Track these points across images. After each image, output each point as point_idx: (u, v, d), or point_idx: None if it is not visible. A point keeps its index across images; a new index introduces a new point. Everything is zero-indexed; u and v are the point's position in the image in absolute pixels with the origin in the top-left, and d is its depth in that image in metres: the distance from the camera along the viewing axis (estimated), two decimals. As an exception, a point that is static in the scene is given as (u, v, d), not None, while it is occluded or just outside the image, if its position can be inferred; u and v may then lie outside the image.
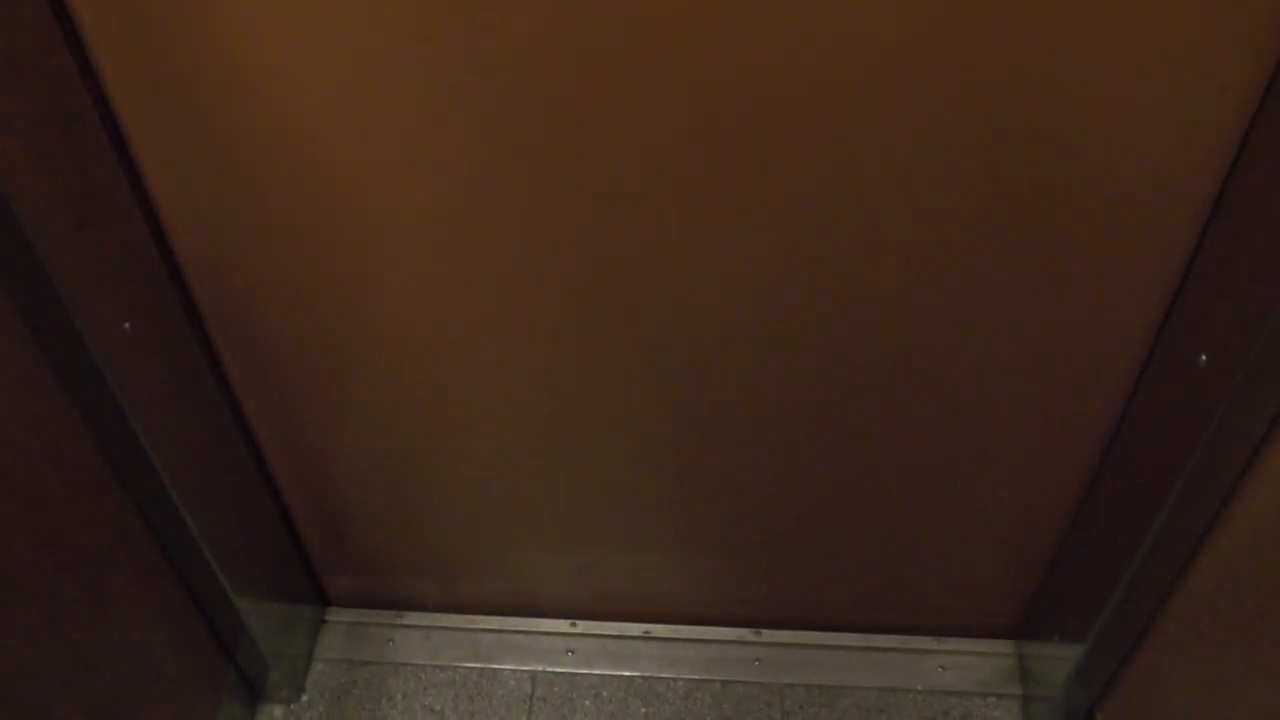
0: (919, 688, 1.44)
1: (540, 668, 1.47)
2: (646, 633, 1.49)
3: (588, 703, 1.44)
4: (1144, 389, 1.04)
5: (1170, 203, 0.90)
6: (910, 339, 1.05)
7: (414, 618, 1.52)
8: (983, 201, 0.92)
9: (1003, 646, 1.47)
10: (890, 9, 0.79)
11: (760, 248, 0.97)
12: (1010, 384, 1.09)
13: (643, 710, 1.43)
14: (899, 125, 0.87)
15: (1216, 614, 1.03)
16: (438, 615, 1.51)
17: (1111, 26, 0.78)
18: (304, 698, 1.46)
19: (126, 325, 0.96)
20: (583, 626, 1.50)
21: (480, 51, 0.84)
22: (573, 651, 1.48)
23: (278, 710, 1.45)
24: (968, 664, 1.46)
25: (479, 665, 1.48)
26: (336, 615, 1.53)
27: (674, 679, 1.46)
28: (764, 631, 1.48)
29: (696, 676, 1.46)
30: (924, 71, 0.82)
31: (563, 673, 1.47)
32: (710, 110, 0.87)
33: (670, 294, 1.03)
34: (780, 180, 0.91)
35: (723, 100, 0.86)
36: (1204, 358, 0.91)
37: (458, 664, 1.48)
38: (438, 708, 1.44)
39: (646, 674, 1.46)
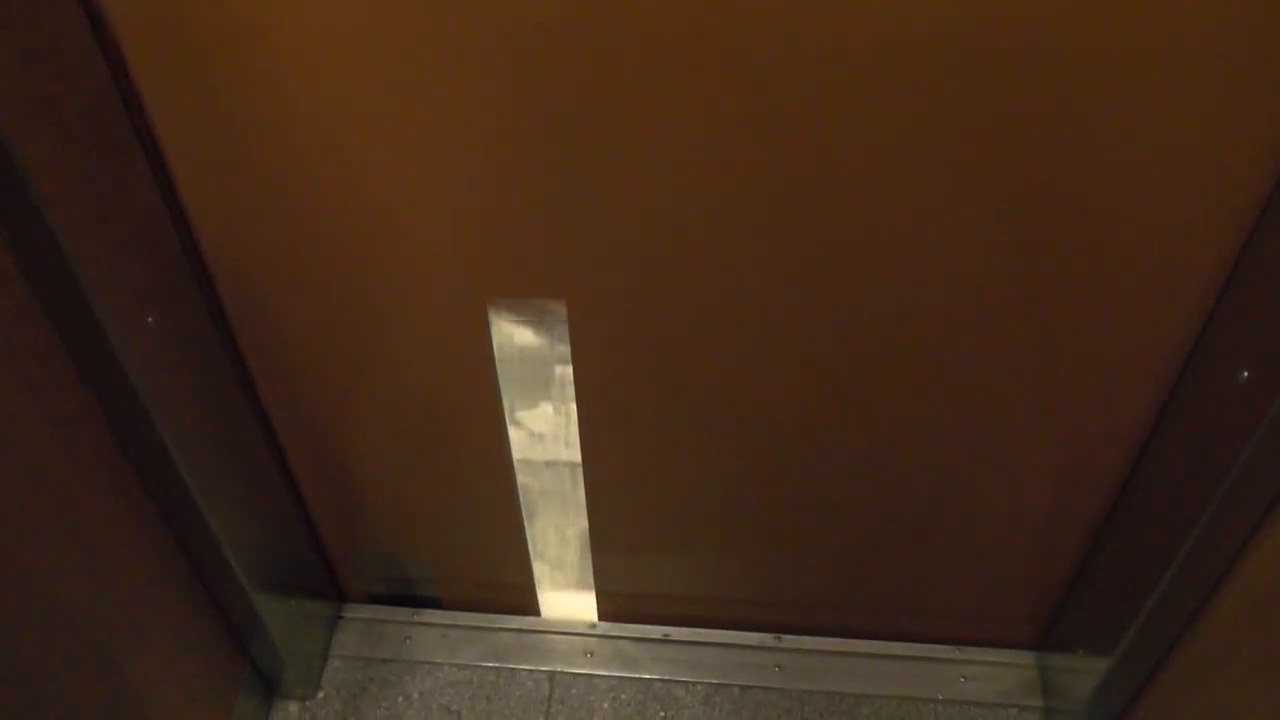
0: (940, 697, 1.43)
1: (558, 669, 1.46)
2: (666, 636, 1.48)
3: (606, 705, 1.43)
4: (1180, 402, 1.03)
5: (1214, 213, 0.88)
6: (938, 346, 1.04)
7: (431, 615, 1.51)
8: (1018, 208, 0.90)
9: (1025, 658, 1.45)
10: (917, 18, 0.78)
11: (789, 254, 0.97)
12: (1039, 392, 1.08)
13: (661, 714, 1.42)
14: (932, 133, 0.86)
15: (1249, 633, 1.02)
16: (455, 614, 1.51)
17: (1156, 33, 0.77)
18: (319, 695, 1.45)
19: (149, 320, 0.95)
20: (602, 628, 1.49)
21: (500, 50, 0.83)
22: (591, 653, 1.47)
23: (293, 707, 1.44)
24: (990, 674, 1.44)
25: (496, 665, 1.47)
26: (353, 612, 1.52)
27: (693, 683, 1.44)
28: (785, 637, 1.47)
29: (716, 681, 1.45)
30: (958, 78, 0.81)
31: (581, 674, 1.46)
32: (731, 119, 0.86)
33: (694, 298, 1.02)
34: (811, 186, 0.90)
35: (744, 108, 0.85)
36: (1245, 374, 0.90)
37: (475, 663, 1.47)
38: (454, 707, 1.43)
39: (665, 678, 1.45)
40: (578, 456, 1.23)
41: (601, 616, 1.49)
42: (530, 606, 1.49)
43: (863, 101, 0.84)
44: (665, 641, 1.48)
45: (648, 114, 0.86)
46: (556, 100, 0.86)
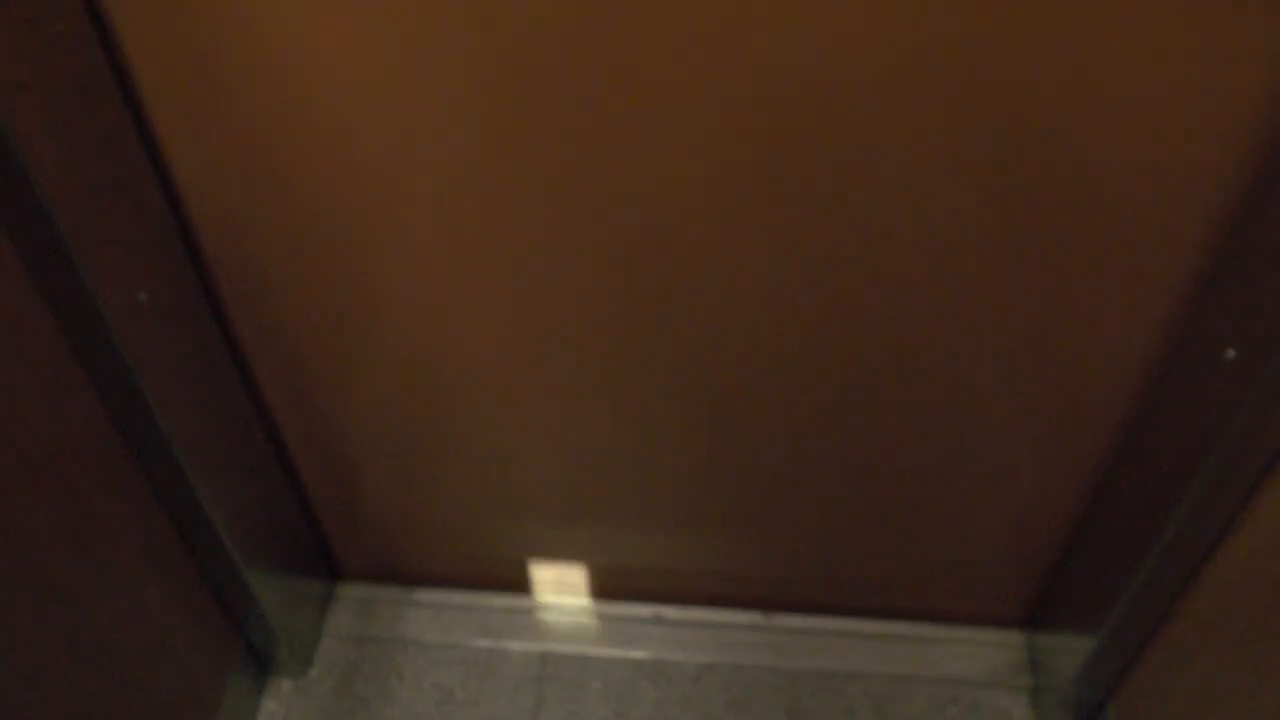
0: (929, 676, 1.44)
1: (550, 647, 1.47)
2: (657, 615, 1.49)
3: (597, 684, 1.44)
4: (1167, 381, 1.03)
5: (1200, 192, 0.88)
6: (926, 326, 1.04)
7: (424, 594, 1.52)
8: (1006, 192, 0.91)
9: (1014, 637, 1.46)
10: (904, 13, 0.78)
11: (776, 238, 0.97)
12: (1028, 373, 1.08)
13: (652, 693, 1.43)
14: (916, 122, 0.86)
15: (1233, 609, 1.03)
16: (448, 592, 1.51)
17: (1143, 14, 0.77)
18: (312, 672, 1.46)
19: (141, 296, 0.96)
20: (594, 607, 1.50)
21: (496, 34, 0.83)
22: (584, 632, 1.48)
23: (286, 684, 1.45)
24: (979, 653, 1.45)
25: (488, 644, 1.48)
26: (347, 590, 1.53)
27: (684, 662, 1.45)
28: (775, 616, 1.48)
29: (706, 660, 1.45)
30: (938, 68, 0.82)
31: (572, 653, 1.47)
32: (725, 107, 0.86)
33: (687, 280, 1.02)
34: (800, 172, 0.91)
35: (739, 97, 0.86)
36: (1232, 352, 0.90)
37: (467, 642, 1.48)
38: (446, 685, 1.44)
39: (656, 656, 1.46)
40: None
41: (593, 596, 1.50)
42: (523, 585, 1.50)
43: (850, 96, 0.84)
44: (656, 620, 1.49)
45: (636, 101, 0.87)
46: (551, 94, 0.87)
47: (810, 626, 1.47)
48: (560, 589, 1.50)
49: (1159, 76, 0.81)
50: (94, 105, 0.86)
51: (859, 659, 1.45)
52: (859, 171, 0.90)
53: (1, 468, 0.89)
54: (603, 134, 0.90)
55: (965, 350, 1.06)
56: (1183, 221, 0.91)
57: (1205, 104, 0.82)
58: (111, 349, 0.94)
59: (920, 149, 0.88)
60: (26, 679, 0.96)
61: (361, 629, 1.49)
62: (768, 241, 0.98)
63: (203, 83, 0.89)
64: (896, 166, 0.90)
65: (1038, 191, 0.90)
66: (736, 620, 1.48)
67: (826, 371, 1.11)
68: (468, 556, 1.47)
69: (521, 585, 1.50)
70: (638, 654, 1.46)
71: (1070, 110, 0.83)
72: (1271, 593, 0.96)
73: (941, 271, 0.99)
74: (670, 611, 1.49)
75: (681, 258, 1.00)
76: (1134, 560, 1.11)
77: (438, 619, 1.50)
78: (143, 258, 0.96)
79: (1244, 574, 1.00)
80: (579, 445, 1.25)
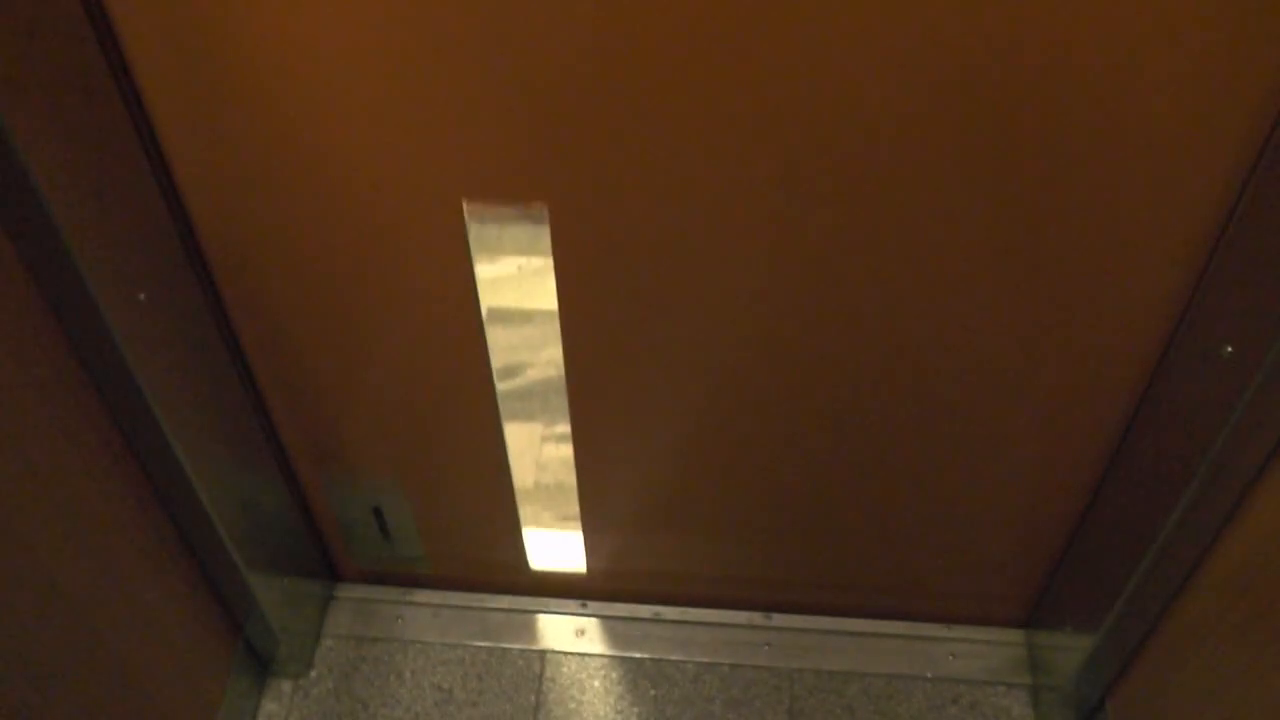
0: (929, 675, 1.44)
1: (550, 648, 1.47)
2: (656, 615, 1.49)
3: (597, 683, 1.44)
4: (1164, 379, 1.04)
5: (1196, 188, 0.89)
6: (925, 326, 1.04)
7: (423, 595, 1.52)
8: (1007, 196, 0.91)
9: (1013, 635, 1.47)
10: (909, 18, 0.79)
11: (776, 239, 0.97)
12: (1026, 373, 1.08)
13: (652, 692, 1.43)
14: (916, 123, 0.86)
15: (1231, 606, 1.03)
16: (447, 593, 1.51)
17: (1139, 18, 0.77)
18: (312, 673, 1.46)
19: (141, 297, 0.96)
20: (593, 607, 1.50)
21: (498, 33, 0.83)
22: (583, 632, 1.48)
23: (286, 685, 1.45)
24: (978, 652, 1.45)
25: (488, 644, 1.48)
26: (346, 591, 1.53)
27: (683, 661, 1.45)
28: (774, 615, 1.48)
29: (706, 659, 1.46)
30: (941, 71, 0.82)
31: (572, 653, 1.47)
32: (725, 116, 0.87)
33: (685, 281, 1.02)
34: (799, 174, 0.91)
35: (740, 106, 0.86)
36: (1229, 349, 0.91)
37: (467, 642, 1.48)
38: (446, 685, 1.44)
39: (656, 656, 1.46)
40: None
41: (593, 596, 1.50)
42: (522, 586, 1.50)
43: (852, 99, 0.84)
44: (656, 620, 1.49)
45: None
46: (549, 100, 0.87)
47: (810, 626, 1.47)
48: (560, 589, 1.50)
49: (1157, 73, 0.81)
50: (94, 105, 0.86)
51: (858, 658, 1.45)
52: (858, 174, 0.91)
53: (1, 468, 0.89)
54: (606, 133, 0.90)
55: (964, 350, 1.06)
56: (1181, 219, 0.91)
57: (1203, 102, 0.82)
58: (111, 349, 0.94)
59: (920, 148, 0.88)
60: (26, 679, 0.96)
61: (361, 629, 1.50)
62: (768, 242, 0.98)
63: (202, 83, 0.89)
64: (897, 168, 0.90)
65: (1037, 191, 0.90)
66: (736, 620, 1.48)
67: (826, 373, 1.11)
68: (468, 557, 1.47)
69: (521, 585, 1.50)
70: (637, 654, 1.47)
71: (1070, 109, 0.84)
72: (1268, 590, 0.96)
73: (942, 271, 0.99)
74: (670, 611, 1.49)
75: (682, 258, 1.00)
76: (1133, 559, 1.11)
77: (437, 619, 1.50)
78: (143, 258, 0.96)
79: (1241, 572, 1.01)
80: (577, 448, 1.25)
